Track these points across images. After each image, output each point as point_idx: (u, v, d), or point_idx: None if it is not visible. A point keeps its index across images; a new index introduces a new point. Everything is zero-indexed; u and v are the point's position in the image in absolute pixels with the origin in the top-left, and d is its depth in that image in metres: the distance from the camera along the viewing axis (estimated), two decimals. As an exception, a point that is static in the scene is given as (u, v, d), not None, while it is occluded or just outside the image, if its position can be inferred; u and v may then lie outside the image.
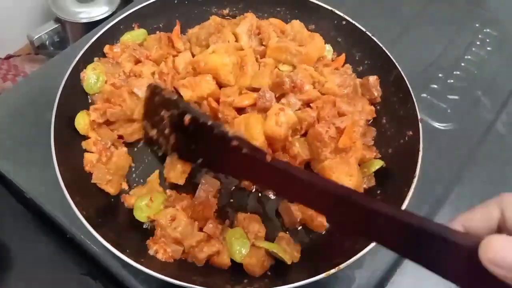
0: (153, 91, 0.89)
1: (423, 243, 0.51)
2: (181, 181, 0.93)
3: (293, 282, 0.76)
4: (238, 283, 0.80)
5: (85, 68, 1.02)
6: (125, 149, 0.98)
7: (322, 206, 0.64)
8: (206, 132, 0.77)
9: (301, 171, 0.74)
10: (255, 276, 0.84)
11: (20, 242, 0.95)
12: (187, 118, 0.80)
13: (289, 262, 0.84)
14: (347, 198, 0.59)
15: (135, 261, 0.77)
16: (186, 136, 0.82)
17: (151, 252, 0.84)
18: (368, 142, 1.02)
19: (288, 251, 0.86)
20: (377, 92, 1.06)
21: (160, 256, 0.84)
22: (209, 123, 0.77)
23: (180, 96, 1.00)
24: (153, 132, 0.89)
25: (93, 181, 0.91)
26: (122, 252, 0.78)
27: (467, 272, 0.49)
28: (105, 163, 0.94)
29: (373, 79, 1.06)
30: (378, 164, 0.97)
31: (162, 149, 0.88)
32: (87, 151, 0.96)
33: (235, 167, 0.77)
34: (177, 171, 0.93)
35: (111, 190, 0.92)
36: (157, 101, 0.87)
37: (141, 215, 0.90)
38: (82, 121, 0.97)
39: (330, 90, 1.04)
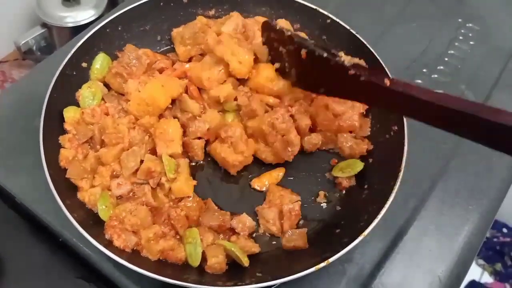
0: (266, 26, 0.93)
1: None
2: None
3: (283, 277, 0.77)
4: (230, 279, 0.81)
5: (80, 88, 1.02)
6: (104, 149, 0.95)
7: (439, 120, 0.71)
8: (324, 64, 0.82)
9: (420, 90, 0.73)
10: (221, 272, 0.84)
11: (12, 248, 0.95)
12: (303, 52, 0.84)
13: (246, 264, 0.85)
14: (467, 112, 0.65)
15: (128, 261, 0.78)
16: (306, 68, 0.87)
17: (107, 236, 0.84)
18: (365, 133, 1.05)
19: (247, 246, 0.87)
20: None
21: (116, 243, 0.83)
22: (325, 55, 0.81)
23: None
24: (277, 66, 0.97)
25: (67, 176, 0.90)
26: (114, 253, 0.79)
27: None
28: (82, 161, 0.93)
29: None
30: (359, 166, 0.99)
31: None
32: (63, 147, 0.94)
33: (355, 93, 0.82)
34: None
35: (85, 186, 0.91)
36: (273, 37, 0.92)
37: (106, 215, 0.88)
38: (72, 114, 0.98)
39: None
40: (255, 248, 0.89)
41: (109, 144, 0.94)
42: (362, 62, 0.80)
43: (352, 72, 0.77)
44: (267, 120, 0.96)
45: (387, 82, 0.73)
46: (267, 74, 1.01)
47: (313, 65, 0.85)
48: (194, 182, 0.93)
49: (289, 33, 0.88)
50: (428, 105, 0.69)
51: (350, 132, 1.04)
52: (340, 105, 1.02)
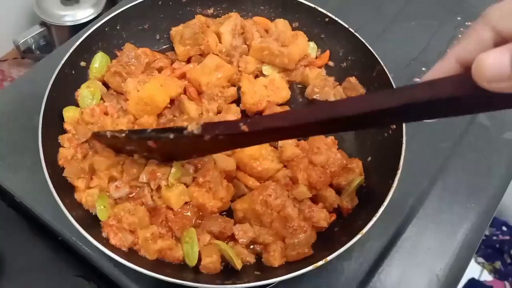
0: (97, 137, 0.91)
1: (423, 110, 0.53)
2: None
3: (281, 275, 0.77)
4: (228, 278, 0.82)
5: (79, 88, 1.03)
6: (97, 158, 0.92)
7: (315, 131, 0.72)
8: (177, 140, 0.77)
9: (278, 118, 0.70)
10: (215, 272, 0.84)
11: (12, 247, 0.95)
12: (150, 143, 0.81)
13: (239, 267, 0.84)
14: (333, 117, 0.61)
15: (127, 260, 0.78)
16: (165, 148, 0.83)
17: (103, 234, 0.84)
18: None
19: (243, 254, 0.86)
20: (361, 89, 1.09)
21: (112, 241, 0.83)
22: (171, 136, 0.76)
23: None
24: (137, 157, 0.90)
25: (63, 174, 0.90)
26: (113, 251, 0.79)
27: (475, 103, 0.49)
28: (80, 161, 0.92)
29: (353, 79, 1.09)
30: (360, 181, 0.96)
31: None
32: (62, 146, 0.94)
33: (220, 148, 0.81)
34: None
35: (82, 186, 0.90)
36: (112, 143, 0.89)
37: (104, 216, 0.88)
38: (72, 113, 0.98)
39: None
40: (250, 258, 0.87)
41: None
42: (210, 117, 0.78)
43: (207, 137, 0.71)
44: (258, 198, 0.86)
45: (244, 128, 0.67)
46: (251, 151, 0.92)
47: (169, 145, 0.81)
48: (187, 199, 0.89)
49: (123, 134, 0.84)
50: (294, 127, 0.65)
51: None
52: (319, 155, 0.96)
